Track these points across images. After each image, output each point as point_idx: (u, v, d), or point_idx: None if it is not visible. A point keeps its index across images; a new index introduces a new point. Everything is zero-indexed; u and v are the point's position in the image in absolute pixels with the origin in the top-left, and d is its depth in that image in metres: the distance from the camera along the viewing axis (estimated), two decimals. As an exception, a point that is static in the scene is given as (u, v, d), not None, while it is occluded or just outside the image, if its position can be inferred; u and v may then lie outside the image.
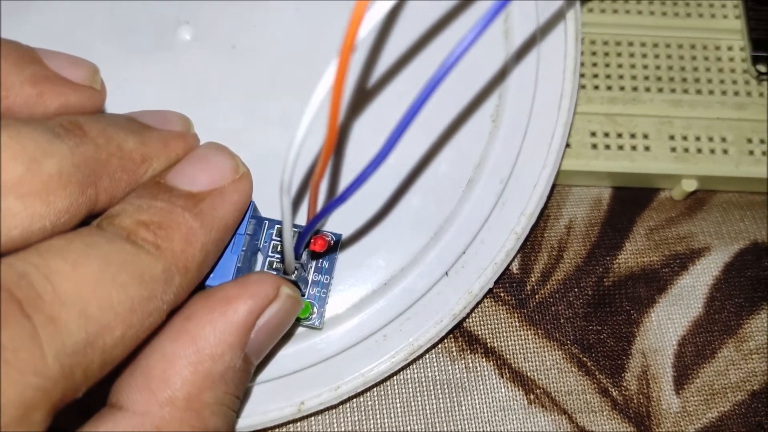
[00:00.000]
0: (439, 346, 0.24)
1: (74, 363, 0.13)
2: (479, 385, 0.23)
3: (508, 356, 0.24)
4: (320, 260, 0.22)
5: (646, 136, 0.26)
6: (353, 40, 0.12)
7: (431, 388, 0.23)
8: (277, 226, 0.21)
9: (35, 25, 0.24)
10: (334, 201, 0.15)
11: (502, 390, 0.23)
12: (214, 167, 0.17)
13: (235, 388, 0.16)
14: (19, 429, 0.12)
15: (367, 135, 0.24)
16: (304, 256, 0.20)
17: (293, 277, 0.20)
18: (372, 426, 0.23)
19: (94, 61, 0.18)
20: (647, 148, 0.26)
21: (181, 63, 0.24)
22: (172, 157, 0.17)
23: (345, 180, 0.23)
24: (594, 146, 0.26)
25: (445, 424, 0.23)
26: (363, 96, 0.24)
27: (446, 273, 0.23)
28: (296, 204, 0.22)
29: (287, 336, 0.22)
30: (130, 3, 0.24)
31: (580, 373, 0.24)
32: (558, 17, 0.24)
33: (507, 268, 0.24)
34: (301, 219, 0.22)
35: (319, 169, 0.14)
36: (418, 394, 0.23)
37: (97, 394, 0.15)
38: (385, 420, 0.23)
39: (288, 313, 0.17)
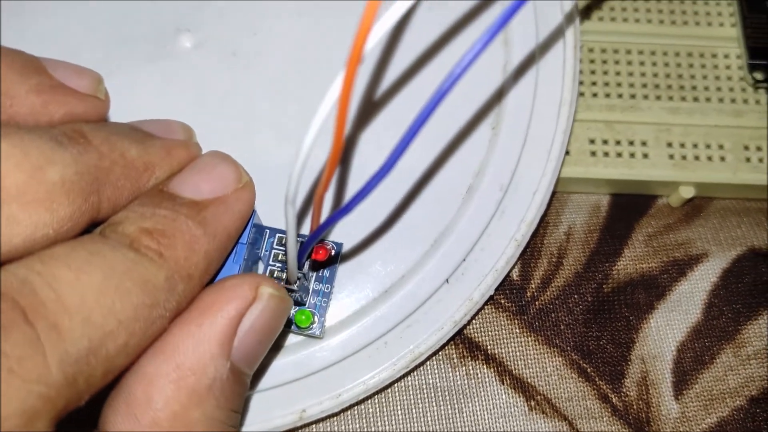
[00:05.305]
0: (440, 353, 0.24)
1: (77, 371, 0.13)
2: (480, 392, 0.23)
3: (508, 363, 0.24)
4: (321, 269, 0.22)
5: (644, 144, 0.26)
6: (360, 51, 0.12)
7: (432, 394, 0.23)
8: (278, 235, 0.21)
9: (34, 32, 0.24)
10: (338, 212, 0.15)
11: (503, 396, 0.23)
12: (218, 176, 0.17)
13: (226, 401, 0.15)
14: (23, 438, 0.12)
15: (370, 146, 0.24)
16: (306, 266, 0.20)
17: (295, 286, 0.20)
18: (373, 433, 0.23)
19: (94, 69, 0.18)
20: (645, 156, 0.26)
21: (181, 71, 0.24)
22: (174, 165, 0.17)
23: (349, 190, 0.23)
24: (593, 153, 0.26)
25: (446, 431, 0.23)
26: (368, 107, 0.24)
27: (447, 280, 0.23)
28: (299, 213, 0.22)
29: (288, 345, 0.22)
30: (131, 11, 0.24)
31: (580, 379, 0.24)
32: (557, 26, 0.25)
33: (507, 275, 0.24)
34: (304, 229, 0.22)
35: (324, 180, 0.14)
36: (419, 400, 0.23)
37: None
38: (387, 427, 0.23)
39: (274, 312, 0.16)
